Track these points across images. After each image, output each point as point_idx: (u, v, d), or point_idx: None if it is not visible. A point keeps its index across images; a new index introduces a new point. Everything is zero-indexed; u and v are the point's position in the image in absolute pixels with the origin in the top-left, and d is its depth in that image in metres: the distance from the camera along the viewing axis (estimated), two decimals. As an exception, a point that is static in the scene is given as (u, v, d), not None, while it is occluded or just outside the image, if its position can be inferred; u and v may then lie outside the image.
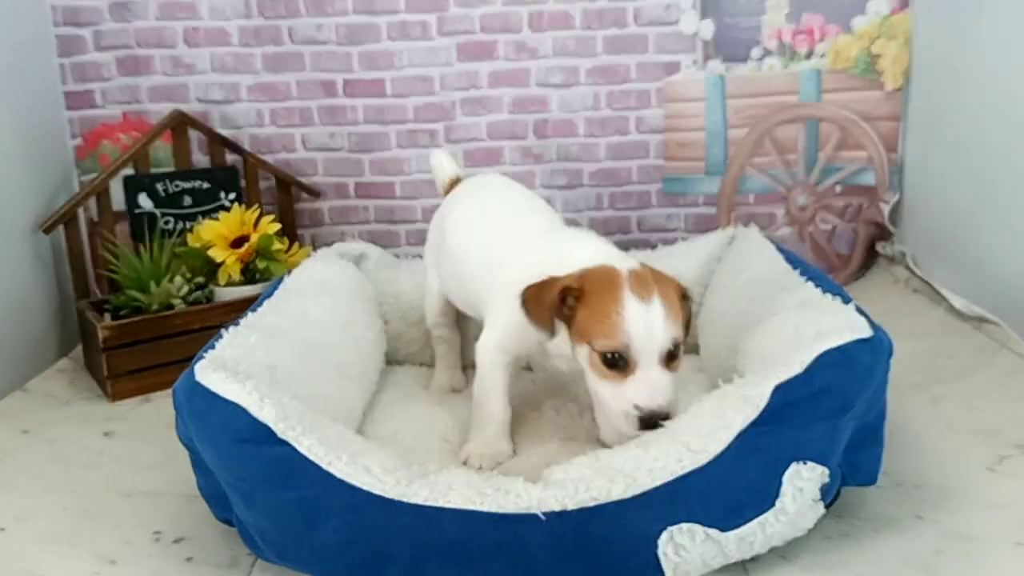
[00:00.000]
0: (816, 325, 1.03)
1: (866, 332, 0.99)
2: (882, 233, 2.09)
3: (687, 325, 1.14)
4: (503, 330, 1.23)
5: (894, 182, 2.05)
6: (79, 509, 1.21)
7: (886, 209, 2.05)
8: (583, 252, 1.17)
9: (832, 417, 0.96)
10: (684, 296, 1.15)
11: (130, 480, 1.29)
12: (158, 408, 1.56)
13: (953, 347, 1.64)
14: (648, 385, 1.06)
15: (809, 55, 2.02)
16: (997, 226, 1.66)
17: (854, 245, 2.12)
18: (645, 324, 1.06)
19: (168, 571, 1.06)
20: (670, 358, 1.09)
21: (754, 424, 0.95)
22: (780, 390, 0.95)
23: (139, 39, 1.96)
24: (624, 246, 1.77)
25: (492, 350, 1.25)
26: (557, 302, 1.11)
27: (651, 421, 1.05)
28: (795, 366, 0.96)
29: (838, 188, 2.09)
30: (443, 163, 1.62)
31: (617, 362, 1.08)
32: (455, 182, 1.57)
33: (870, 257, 2.12)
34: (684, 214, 2.12)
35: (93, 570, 1.07)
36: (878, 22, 2.00)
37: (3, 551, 1.12)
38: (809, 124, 2.06)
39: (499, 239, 1.31)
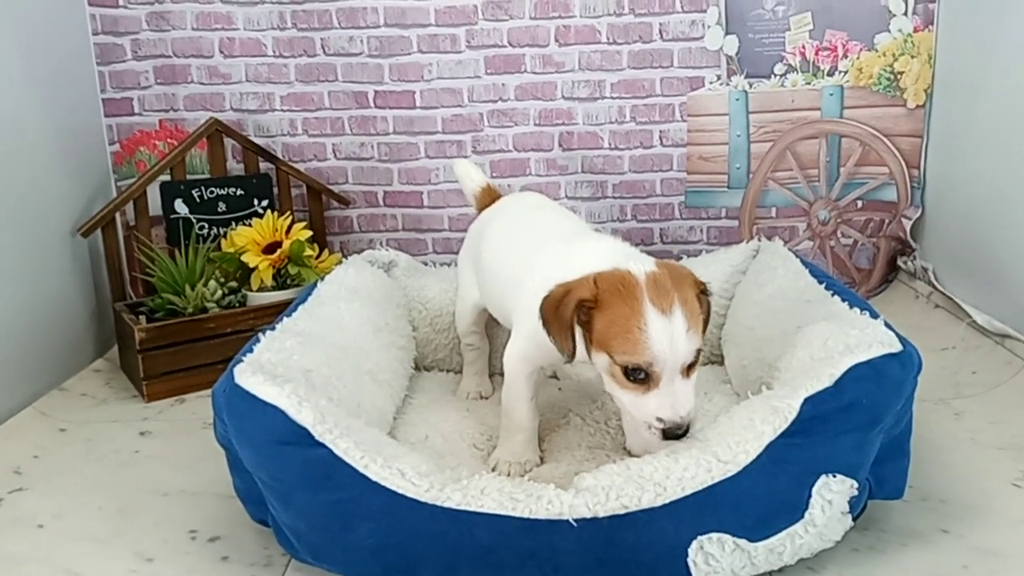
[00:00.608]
0: (845, 339, 1.05)
1: (896, 347, 1.01)
2: (903, 248, 2.10)
3: (706, 321, 1.12)
4: (526, 340, 1.23)
5: (916, 197, 2.06)
6: (116, 507, 1.24)
7: (908, 224, 2.06)
8: (597, 253, 1.14)
9: (861, 430, 0.98)
10: (703, 291, 1.12)
11: (166, 479, 1.32)
12: (192, 409, 1.59)
13: (976, 363, 1.65)
14: (671, 398, 1.05)
15: (832, 72, 2.04)
16: (1019, 242, 1.67)
17: (875, 260, 2.13)
18: (669, 341, 1.04)
19: (204, 570, 1.09)
20: (691, 364, 1.08)
21: (783, 435, 0.96)
22: (810, 402, 0.97)
23: (176, 49, 2.00)
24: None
25: (517, 360, 1.26)
26: (573, 317, 1.08)
27: (675, 434, 1.05)
28: (825, 379, 0.98)
29: (859, 203, 2.11)
30: (469, 172, 1.64)
31: (638, 376, 1.06)
32: (486, 191, 1.60)
33: (890, 272, 2.13)
34: (706, 227, 2.13)
35: (130, 568, 1.10)
36: (901, 40, 2.01)
37: (41, 548, 1.15)
38: (831, 139, 2.07)
39: (524, 249, 1.32)
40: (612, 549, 0.94)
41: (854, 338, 1.04)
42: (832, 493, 0.97)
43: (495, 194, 1.59)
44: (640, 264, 1.10)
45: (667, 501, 0.95)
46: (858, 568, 1.04)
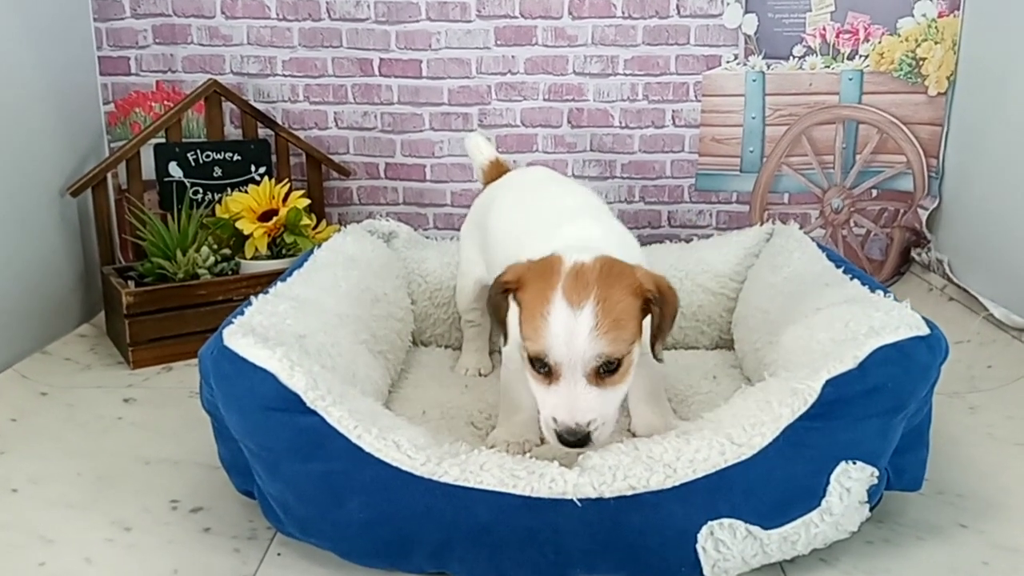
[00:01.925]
0: (868, 321, 0.99)
1: (924, 329, 0.96)
2: (918, 239, 2.04)
3: (663, 326, 1.02)
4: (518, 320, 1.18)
5: (933, 188, 2.01)
6: (95, 474, 1.19)
7: (924, 215, 2.00)
8: (566, 238, 1.07)
9: (885, 416, 0.92)
10: (648, 299, 1.01)
11: (149, 447, 1.27)
12: (179, 377, 1.54)
13: (991, 357, 1.60)
14: (567, 400, 0.97)
15: (852, 55, 1.98)
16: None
17: (887, 251, 2.07)
18: (567, 335, 0.95)
19: (184, 540, 1.04)
20: (605, 372, 0.98)
21: (802, 418, 0.91)
22: (832, 384, 0.91)
23: (176, 7, 1.93)
24: (653, 241, 1.75)
25: (513, 341, 1.20)
26: (499, 298, 1.04)
27: (567, 440, 0.97)
28: (848, 361, 0.92)
29: (874, 192, 2.05)
30: (480, 145, 1.59)
31: (541, 367, 0.99)
32: (494, 165, 1.54)
33: (903, 264, 2.08)
34: (716, 211, 2.08)
35: (107, 536, 1.04)
36: (925, 25, 1.95)
37: (15, 512, 1.09)
38: (848, 125, 2.02)
39: (521, 228, 1.25)
40: (617, 532, 0.89)
41: (878, 320, 0.99)
42: (851, 481, 0.92)
43: (503, 168, 1.54)
44: (583, 254, 1.02)
45: (677, 483, 0.89)
46: (873, 561, 0.99)
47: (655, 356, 1.04)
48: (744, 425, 0.93)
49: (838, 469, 0.91)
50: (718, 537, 0.89)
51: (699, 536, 0.89)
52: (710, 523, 0.89)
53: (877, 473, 0.93)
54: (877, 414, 0.92)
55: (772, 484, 0.90)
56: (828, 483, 0.91)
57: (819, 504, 0.91)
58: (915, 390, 0.93)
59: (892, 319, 0.98)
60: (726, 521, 0.89)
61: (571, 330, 0.96)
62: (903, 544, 1.02)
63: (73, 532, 1.05)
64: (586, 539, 0.89)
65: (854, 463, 0.91)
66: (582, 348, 0.96)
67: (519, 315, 1.03)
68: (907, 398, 0.93)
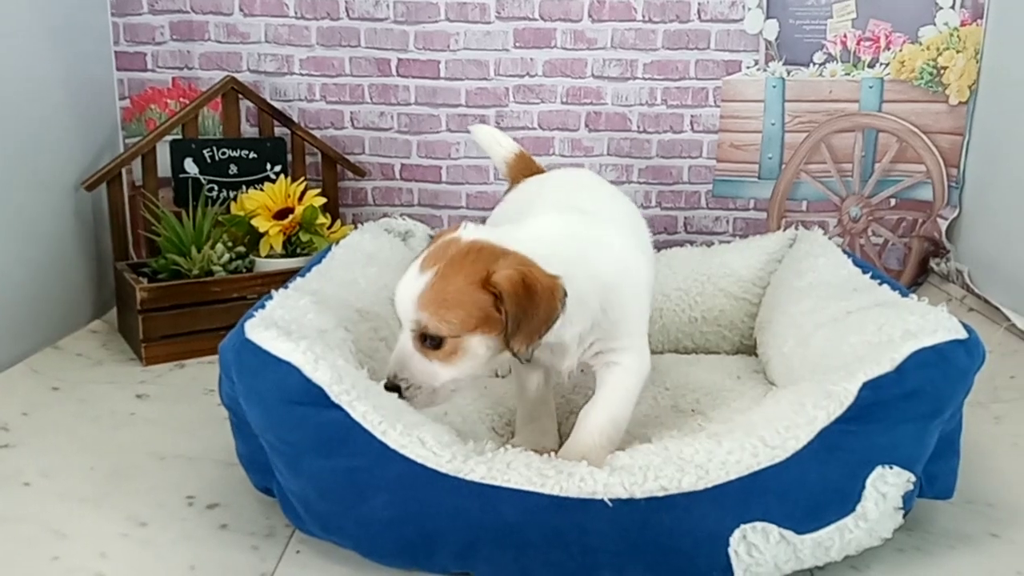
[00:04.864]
0: (903, 324, 0.98)
1: (961, 333, 0.94)
2: (936, 250, 2.02)
3: (515, 326, 0.95)
4: None
5: (953, 198, 1.99)
6: (109, 469, 1.17)
7: (943, 225, 1.98)
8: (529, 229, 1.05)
9: (922, 420, 0.90)
10: (495, 294, 0.96)
11: (163, 443, 1.25)
12: (192, 374, 1.52)
13: (1014, 367, 1.58)
14: (396, 351, 1.01)
15: (873, 63, 1.97)
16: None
17: (905, 261, 2.06)
18: (403, 292, 0.99)
19: (200, 537, 1.02)
20: (430, 344, 0.98)
21: (838, 421, 0.89)
22: (869, 387, 0.89)
23: (194, 4, 1.93)
24: (669, 247, 1.71)
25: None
26: None
27: (385, 384, 0.99)
28: (885, 363, 0.90)
29: (892, 201, 2.03)
30: (496, 137, 1.48)
31: None
32: (520, 158, 1.45)
33: (920, 275, 2.06)
34: (733, 218, 2.06)
35: (121, 531, 1.02)
36: (947, 33, 1.94)
37: (27, 506, 1.08)
38: (867, 134, 2.00)
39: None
40: (648, 533, 0.87)
41: (914, 324, 0.97)
42: (887, 486, 0.89)
43: (530, 162, 1.45)
44: (473, 234, 1.01)
45: (709, 485, 0.87)
46: (905, 569, 0.97)
47: (512, 352, 0.98)
48: (778, 427, 0.91)
49: (874, 474, 0.89)
50: (751, 541, 0.87)
51: (731, 540, 0.87)
52: (743, 527, 0.87)
53: (913, 479, 0.91)
54: (914, 418, 0.90)
55: (806, 488, 0.88)
56: (864, 488, 0.89)
57: (854, 509, 0.89)
58: (954, 394, 0.91)
59: (928, 322, 0.96)
60: (759, 525, 0.87)
61: (403, 288, 0.99)
62: (935, 553, 1.00)
63: (87, 526, 1.03)
64: (615, 540, 0.87)
65: (891, 468, 0.89)
66: (404, 306, 0.99)
67: None
68: (945, 402, 0.91)
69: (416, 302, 0.97)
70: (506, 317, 0.95)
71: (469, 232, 1.01)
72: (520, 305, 0.95)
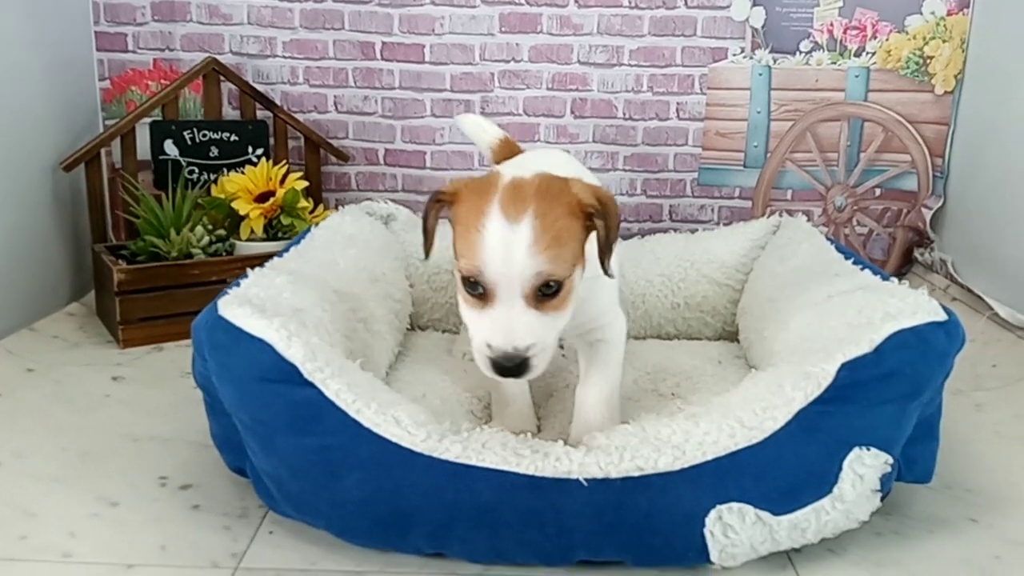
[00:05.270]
0: (883, 307, 0.97)
1: (941, 315, 0.93)
2: (920, 239, 2.02)
3: (605, 247, 0.93)
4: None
5: (938, 188, 1.99)
6: (81, 450, 1.15)
7: (928, 215, 1.98)
8: (521, 160, 1.02)
9: (901, 401, 0.90)
10: (589, 215, 0.92)
11: (137, 425, 1.23)
12: (170, 357, 1.50)
13: (996, 356, 1.58)
14: (504, 322, 0.89)
15: (859, 52, 1.96)
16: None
17: (890, 251, 2.05)
18: (504, 250, 0.87)
19: (172, 517, 1.00)
20: (544, 295, 0.90)
21: (816, 402, 0.88)
22: (847, 368, 0.88)
23: (175, -16, 1.91)
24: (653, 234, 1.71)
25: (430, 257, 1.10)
26: (432, 211, 0.96)
27: (506, 367, 0.89)
28: (864, 344, 0.89)
29: (877, 191, 2.03)
30: (481, 124, 1.50)
31: (476, 289, 0.91)
32: (505, 143, 1.46)
33: (904, 265, 2.06)
34: (718, 206, 2.05)
35: (92, 511, 1.01)
36: (933, 23, 1.94)
37: (-2, 486, 1.06)
38: (853, 123, 2.00)
39: None
40: (623, 514, 0.86)
41: (894, 306, 0.96)
42: (865, 467, 0.89)
43: (516, 148, 1.46)
44: (523, 171, 0.95)
45: (686, 466, 0.87)
46: (883, 552, 0.96)
47: (604, 270, 0.96)
48: (755, 408, 0.90)
49: (851, 455, 0.88)
50: (727, 522, 0.86)
51: (707, 520, 0.86)
52: (719, 507, 0.86)
53: (891, 460, 0.90)
54: (892, 400, 0.89)
55: (783, 469, 0.87)
56: (841, 469, 0.88)
57: (831, 491, 0.88)
58: (932, 376, 0.91)
59: (908, 305, 0.96)
60: (735, 505, 0.86)
61: (508, 246, 0.87)
62: (912, 536, 1.00)
63: (57, 506, 1.02)
64: (590, 521, 0.86)
65: (868, 449, 0.89)
66: (521, 265, 0.88)
67: (453, 233, 0.95)
68: (924, 384, 0.90)
69: (531, 251, 0.87)
70: (605, 232, 0.93)
71: (515, 170, 0.95)
72: (611, 216, 0.93)
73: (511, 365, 0.89)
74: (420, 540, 0.90)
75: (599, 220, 0.93)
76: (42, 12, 1.68)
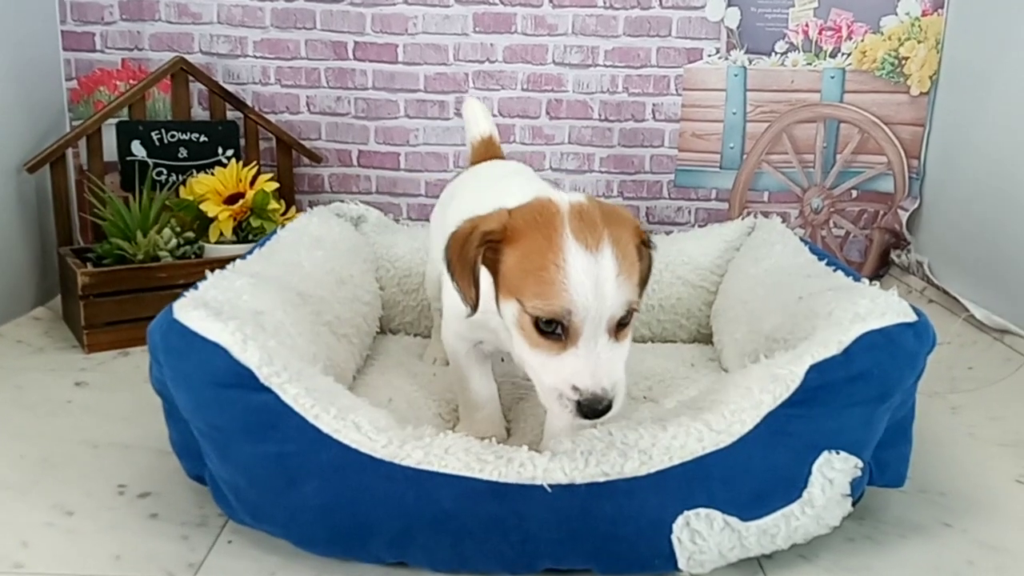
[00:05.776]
0: (854, 308, 0.95)
1: (911, 316, 0.92)
2: (897, 241, 2.02)
3: (645, 279, 0.91)
4: (451, 314, 1.04)
5: (914, 189, 1.99)
6: (40, 457, 1.12)
7: (904, 216, 1.98)
8: (519, 188, 0.95)
9: (870, 404, 0.88)
10: (644, 242, 0.90)
11: (98, 431, 1.20)
12: (135, 363, 1.47)
13: (972, 358, 1.57)
14: (591, 362, 0.83)
15: (834, 53, 1.96)
16: (1021, 236, 1.60)
17: (866, 253, 2.05)
18: (594, 284, 0.82)
19: (128, 526, 0.98)
20: (620, 326, 0.86)
21: (784, 405, 0.87)
22: (815, 370, 0.87)
23: (144, -18, 1.88)
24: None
25: (451, 338, 1.09)
26: (477, 255, 0.87)
27: (593, 409, 0.83)
28: (832, 346, 0.88)
29: (854, 193, 2.03)
30: (477, 115, 1.44)
31: (554, 330, 0.85)
32: (485, 144, 1.42)
33: (881, 267, 2.05)
34: (695, 208, 2.04)
35: (46, 520, 0.98)
36: (908, 23, 1.93)
37: (-51, 493, 1.03)
38: (829, 124, 1.99)
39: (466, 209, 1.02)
40: (588, 520, 0.84)
41: (864, 307, 0.95)
42: (834, 471, 0.87)
43: (493, 149, 1.43)
44: (567, 195, 0.89)
45: (652, 471, 0.85)
46: (854, 558, 0.95)
47: (639, 297, 0.91)
48: (723, 412, 0.88)
49: (821, 459, 0.87)
50: (694, 528, 0.84)
51: (674, 527, 0.84)
52: (686, 513, 0.84)
53: (861, 464, 0.89)
54: (862, 402, 0.88)
55: (751, 473, 0.86)
56: (810, 473, 0.87)
57: (800, 495, 0.87)
58: (901, 378, 0.89)
59: (878, 306, 0.94)
60: (703, 511, 0.85)
61: (596, 277, 0.81)
62: (886, 542, 0.98)
63: (10, 515, 0.99)
64: (554, 528, 0.84)
65: (837, 453, 0.87)
66: (612, 298, 0.82)
67: (504, 272, 0.87)
68: (893, 386, 0.89)
69: (619, 283, 0.82)
70: (648, 262, 0.91)
71: (567, 196, 0.89)
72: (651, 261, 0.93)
73: (601, 407, 0.83)
74: (381, 549, 0.87)
75: (647, 249, 0.92)
76: (7, 10, 1.64)
